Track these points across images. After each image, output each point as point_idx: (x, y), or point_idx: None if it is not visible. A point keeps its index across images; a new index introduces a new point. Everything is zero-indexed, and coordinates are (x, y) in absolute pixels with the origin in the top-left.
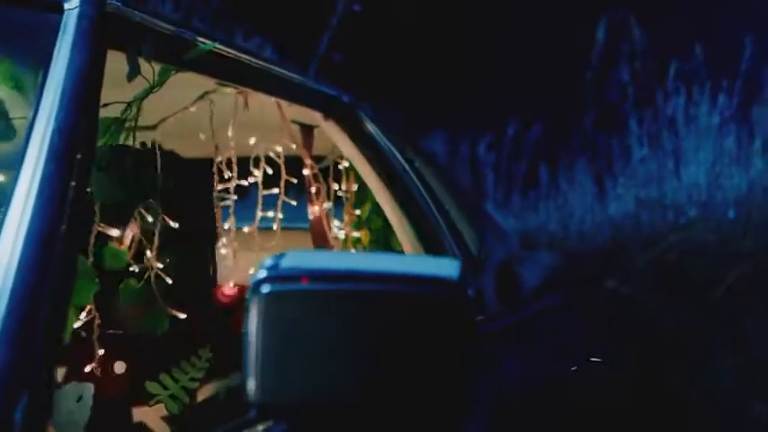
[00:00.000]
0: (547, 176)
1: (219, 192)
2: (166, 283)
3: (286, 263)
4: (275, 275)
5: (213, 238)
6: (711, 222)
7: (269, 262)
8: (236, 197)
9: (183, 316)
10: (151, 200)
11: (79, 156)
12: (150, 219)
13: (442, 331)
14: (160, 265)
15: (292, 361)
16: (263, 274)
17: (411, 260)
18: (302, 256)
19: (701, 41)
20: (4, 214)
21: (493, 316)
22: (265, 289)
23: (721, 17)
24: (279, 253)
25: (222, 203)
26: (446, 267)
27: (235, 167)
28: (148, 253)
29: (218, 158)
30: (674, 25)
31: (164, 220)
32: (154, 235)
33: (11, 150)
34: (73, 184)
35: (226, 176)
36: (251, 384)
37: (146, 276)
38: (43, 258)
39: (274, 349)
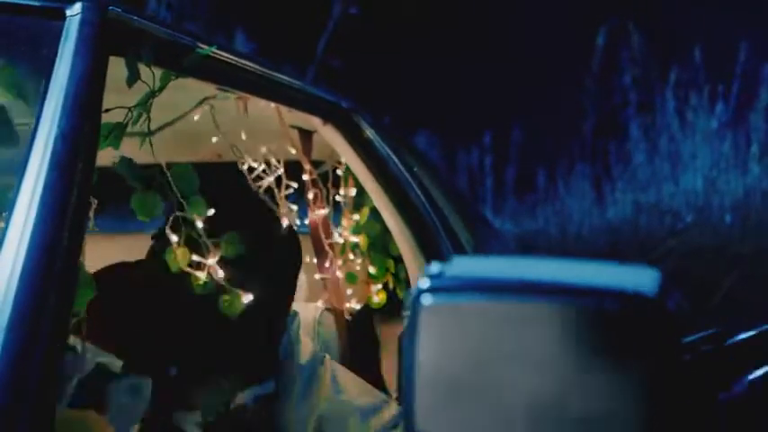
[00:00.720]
0: (545, 180)
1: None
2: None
3: (453, 270)
4: (440, 285)
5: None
6: (708, 227)
7: (433, 269)
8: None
9: (249, 296)
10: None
11: (82, 162)
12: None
13: (636, 357)
14: (212, 261)
15: (458, 385)
16: (425, 283)
17: (603, 269)
18: (472, 263)
19: (700, 47)
20: (8, 221)
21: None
22: (427, 301)
23: (719, 23)
24: (445, 258)
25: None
26: (641, 278)
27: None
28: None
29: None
30: (673, 30)
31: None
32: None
33: (14, 157)
34: (76, 190)
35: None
36: (411, 411)
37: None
38: (46, 266)
39: (437, 371)
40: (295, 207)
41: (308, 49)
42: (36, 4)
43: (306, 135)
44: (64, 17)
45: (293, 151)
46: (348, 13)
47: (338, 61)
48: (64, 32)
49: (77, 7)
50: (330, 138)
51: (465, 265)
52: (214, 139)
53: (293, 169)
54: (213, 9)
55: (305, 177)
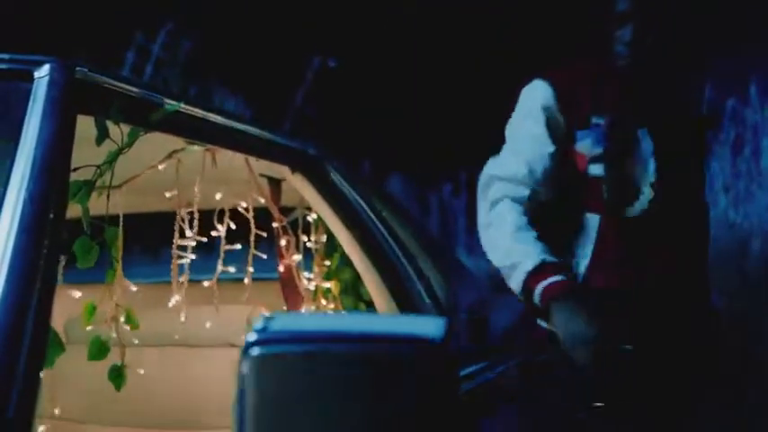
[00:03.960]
0: None
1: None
2: None
3: (276, 325)
4: (266, 338)
5: None
6: None
7: (259, 324)
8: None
9: None
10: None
11: (50, 224)
12: None
13: (425, 392)
14: None
15: (286, 425)
16: (253, 336)
17: (401, 320)
18: (291, 319)
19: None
20: None
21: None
22: (256, 352)
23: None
24: (267, 315)
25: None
26: (430, 326)
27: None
28: None
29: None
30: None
31: None
32: None
33: None
34: (45, 251)
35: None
36: None
37: None
38: (18, 328)
39: (267, 413)
40: (264, 256)
41: (287, 95)
42: (4, 66)
43: (275, 183)
44: (32, 79)
45: (262, 200)
46: (326, 65)
47: (315, 107)
48: (32, 94)
49: (45, 69)
50: (299, 186)
51: (285, 321)
52: (178, 191)
53: (264, 216)
54: (192, 61)
55: (275, 225)
